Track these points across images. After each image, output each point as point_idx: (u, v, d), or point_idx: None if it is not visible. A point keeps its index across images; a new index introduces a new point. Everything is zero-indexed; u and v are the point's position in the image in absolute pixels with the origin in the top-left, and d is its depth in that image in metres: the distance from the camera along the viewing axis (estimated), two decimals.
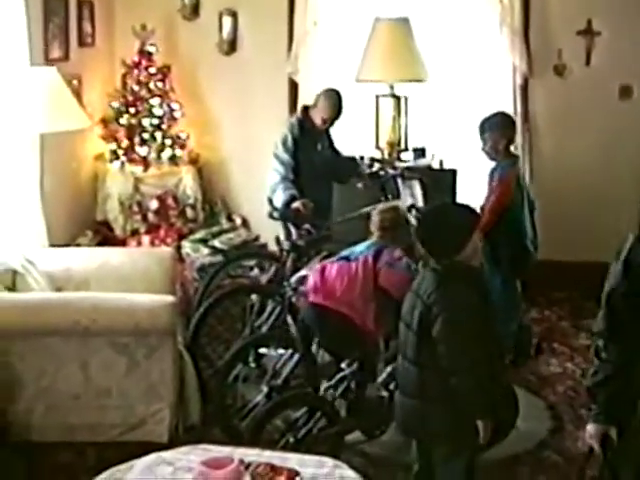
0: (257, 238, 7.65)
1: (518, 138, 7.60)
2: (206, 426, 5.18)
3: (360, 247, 4.85)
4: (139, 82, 7.50)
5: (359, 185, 6.57)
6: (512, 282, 6.09)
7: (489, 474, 4.51)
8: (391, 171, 6.56)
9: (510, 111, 7.54)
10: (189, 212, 7.60)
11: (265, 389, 5.09)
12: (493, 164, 6.15)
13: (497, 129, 5.97)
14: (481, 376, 3.68)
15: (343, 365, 4.75)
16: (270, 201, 6.29)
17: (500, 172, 5.95)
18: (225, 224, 7.81)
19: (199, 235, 7.39)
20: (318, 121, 6.40)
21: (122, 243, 7.19)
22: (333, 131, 6.71)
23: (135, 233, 7.33)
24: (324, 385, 4.78)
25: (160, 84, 7.57)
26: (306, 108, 6.51)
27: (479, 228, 3.89)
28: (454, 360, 3.67)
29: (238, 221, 7.91)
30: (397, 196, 6.29)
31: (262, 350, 5.52)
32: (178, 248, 7.10)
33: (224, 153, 8.09)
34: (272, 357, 5.42)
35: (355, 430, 4.84)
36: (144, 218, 7.37)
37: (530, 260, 6.23)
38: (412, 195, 6.51)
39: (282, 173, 6.23)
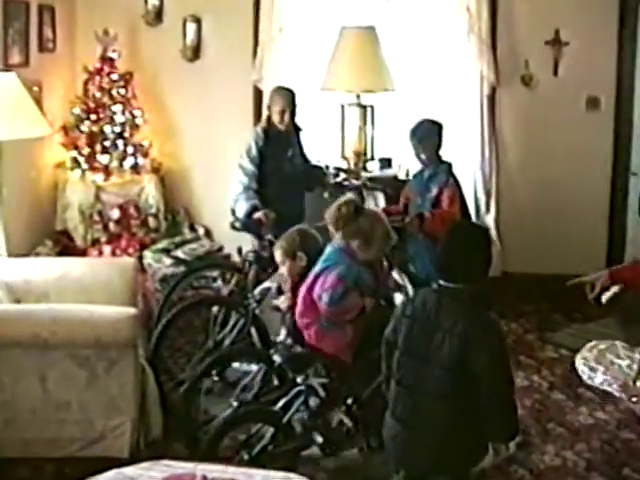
0: (221, 249, 7.61)
1: (485, 152, 7.70)
2: (168, 441, 5.14)
3: (320, 262, 4.74)
4: (101, 89, 7.46)
5: (325, 195, 6.58)
6: None
7: None
8: (354, 181, 6.59)
9: (477, 121, 7.67)
10: (151, 221, 7.58)
11: (235, 404, 5.02)
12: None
13: (432, 136, 6.09)
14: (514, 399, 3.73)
15: (299, 379, 4.67)
16: (233, 212, 6.28)
17: (443, 176, 6.04)
18: (188, 234, 7.79)
19: (161, 245, 7.36)
20: (277, 118, 6.37)
21: (82, 253, 7.13)
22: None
23: (96, 243, 7.28)
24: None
25: (122, 91, 7.54)
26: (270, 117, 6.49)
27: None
28: (502, 388, 3.62)
29: (201, 231, 7.90)
30: None
31: (234, 364, 5.49)
32: (140, 258, 7.07)
33: (187, 161, 8.06)
34: (236, 370, 5.41)
35: (311, 446, 4.74)
36: (105, 228, 7.33)
37: None
38: (376, 206, 6.57)
39: (245, 183, 6.22)
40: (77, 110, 7.49)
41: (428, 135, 6.10)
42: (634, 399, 2.60)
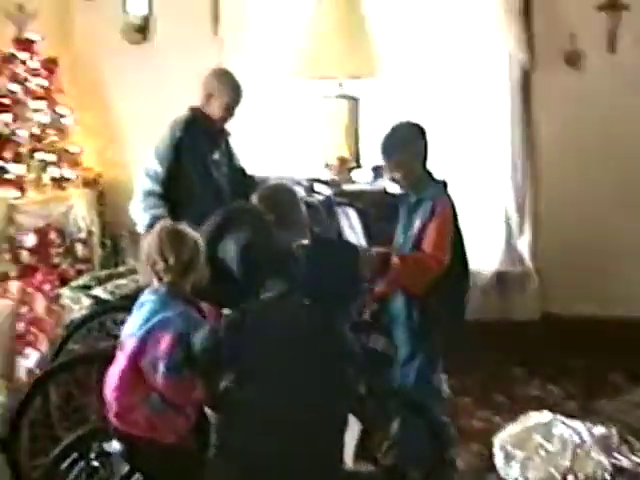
0: None
1: (517, 157, 7.37)
2: None
3: (140, 320, 4.36)
4: (14, 79, 7.20)
5: None
6: None
7: None
8: (318, 196, 6.24)
9: (505, 117, 7.36)
10: (79, 249, 7.37)
11: None
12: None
13: (408, 146, 5.18)
14: None
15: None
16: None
17: (428, 204, 5.18)
18: (132, 264, 7.38)
19: (83, 281, 6.95)
20: (219, 112, 5.91)
21: None
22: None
23: (5, 278, 6.90)
24: None
25: (45, 82, 7.33)
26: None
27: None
28: None
29: None
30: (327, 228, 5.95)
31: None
32: (57, 297, 6.71)
33: (134, 172, 7.61)
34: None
35: None
36: (16, 258, 7.01)
37: None
38: (351, 227, 6.17)
39: (146, 188, 5.83)
40: None
41: (403, 145, 5.27)
42: None
